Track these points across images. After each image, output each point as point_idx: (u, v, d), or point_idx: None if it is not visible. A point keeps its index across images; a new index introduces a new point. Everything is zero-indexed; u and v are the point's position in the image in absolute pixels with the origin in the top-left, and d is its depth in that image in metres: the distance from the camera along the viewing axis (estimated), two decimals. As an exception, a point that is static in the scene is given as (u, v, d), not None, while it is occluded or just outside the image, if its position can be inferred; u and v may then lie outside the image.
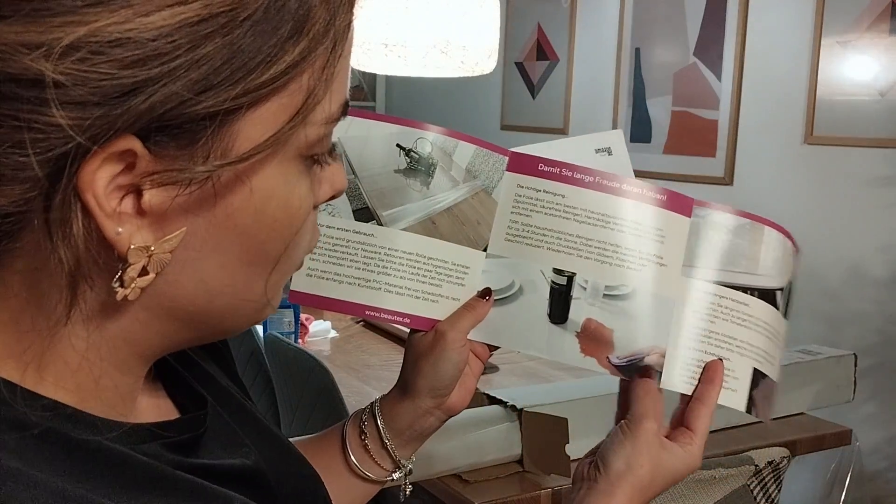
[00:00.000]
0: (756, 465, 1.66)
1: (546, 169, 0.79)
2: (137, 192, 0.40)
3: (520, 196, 0.79)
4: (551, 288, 0.79)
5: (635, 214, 0.78)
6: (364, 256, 0.77)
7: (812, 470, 2.66)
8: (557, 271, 0.79)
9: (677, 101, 3.23)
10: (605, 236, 0.78)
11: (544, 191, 0.78)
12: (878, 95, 2.57)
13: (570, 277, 0.79)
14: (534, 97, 3.97)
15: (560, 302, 0.79)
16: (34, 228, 0.40)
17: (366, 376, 2.33)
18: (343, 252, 0.77)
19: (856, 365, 2.05)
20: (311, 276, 0.77)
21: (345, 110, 0.47)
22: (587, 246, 0.78)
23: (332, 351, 2.60)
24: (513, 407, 1.59)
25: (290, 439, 0.73)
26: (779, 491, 1.74)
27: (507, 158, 0.80)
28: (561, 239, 0.78)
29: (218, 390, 0.60)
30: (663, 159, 3.30)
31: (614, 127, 3.51)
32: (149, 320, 0.45)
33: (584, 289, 0.79)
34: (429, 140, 0.79)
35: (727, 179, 3.04)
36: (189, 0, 0.38)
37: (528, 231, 0.79)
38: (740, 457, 1.67)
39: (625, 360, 0.79)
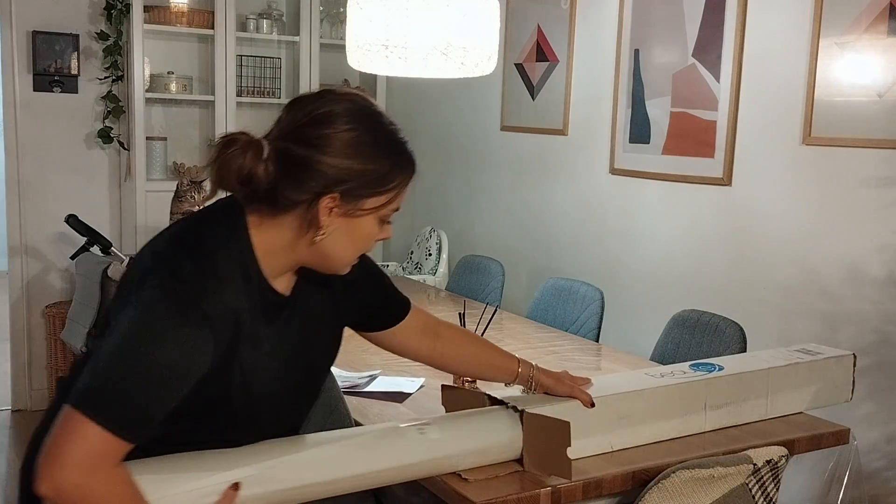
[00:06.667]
0: (754, 464, 1.67)
1: None
2: (331, 210, 1.27)
3: None
4: None
5: None
6: None
7: (810, 469, 2.67)
8: None
9: (676, 102, 3.24)
10: None
11: None
12: (876, 96, 2.58)
13: None
14: (533, 98, 3.98)
15: None
16: (301, 209, 1.26)
17: (366, 376, 2.34)
18: None
19: (854, 365, 2.06)
20: None
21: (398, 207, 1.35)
22: None
23: (332, 351, 2.61)
24: (514, 408, 1.60)
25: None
26: (777, 490, 1.75)
27: None
28: None
29: None
30: (662, 160, 3.31)
31: (613, 127, 3.52)
32: (310, 250, 1.30)
33: None
34: None
35: (725, 180, 3.05)
36: (363, 159, 1.27)
37: None
38: (738, 456, 1.68)
39: None
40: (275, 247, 1.29)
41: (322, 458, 1.38)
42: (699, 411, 1.83)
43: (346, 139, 1.25)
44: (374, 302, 1.57)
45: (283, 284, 1.34)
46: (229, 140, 1.24)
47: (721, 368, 1.90)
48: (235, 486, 1.26)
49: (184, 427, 1.27)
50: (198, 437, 1.30)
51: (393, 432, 1.49)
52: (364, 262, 1.47)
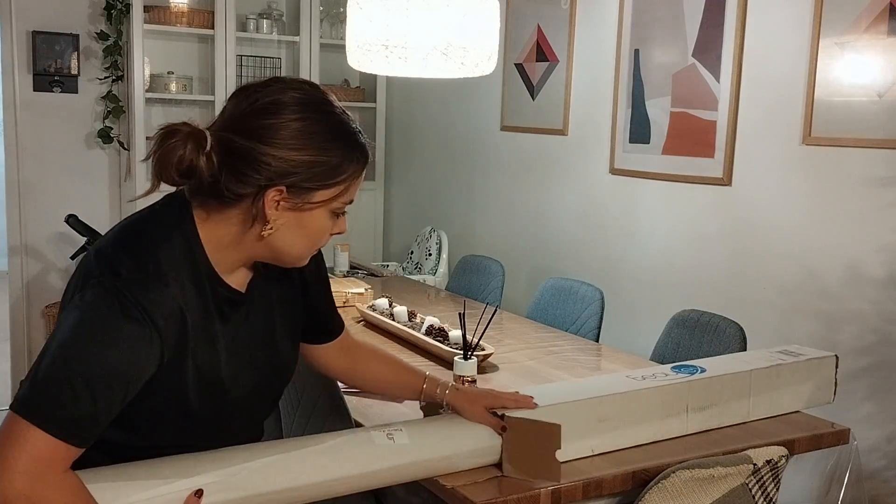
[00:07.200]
0: (754, 464, 1.67)
1: None
2: (278, 203, 1.21)
3: None
4: None
5: None
6: None
7: (810, 469, 2.67)
8: None
9: (676, 102, 3.24)
10: None
11: None
12: (875, 96, 2.58)
13: None
14: (533, 98, 3.98)
15: None
16: (247, 202, 1.21)
17: (366, 376, 2.33)
18: None
19: (837, 366, 2.05)
20: None
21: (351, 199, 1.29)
22: None
23: (332, 351, 2.61)
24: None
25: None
26: (777, 490, 1.75)
27: None
28: None
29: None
30: (662, 160, 3.31)
31: (613, 127, 3.52)
32: (260, 245, 1.26)
33: None
34: None
35: (726, 180, 3.05)
36: (310, 150, 1.21)
37: None
38: (738, 456, 1.67)
39: None
40: (223, 241, 1.25)
41: (286, 464, 1.33)
42: (681, 413, 1.82)
43: (293, 129, 1.19)
44: (319, 310, 1.52)
45: (238, 280, 1.31)
46: (170, 131, 1.18)
47: (703, 370, 1.89)
48: (199, 493, 1.21)
49: (149, 433, 1.25)
50: (164, 443, 1.26)
51: (360, 437, 1.46)
52: (320, 273, 1.47)
